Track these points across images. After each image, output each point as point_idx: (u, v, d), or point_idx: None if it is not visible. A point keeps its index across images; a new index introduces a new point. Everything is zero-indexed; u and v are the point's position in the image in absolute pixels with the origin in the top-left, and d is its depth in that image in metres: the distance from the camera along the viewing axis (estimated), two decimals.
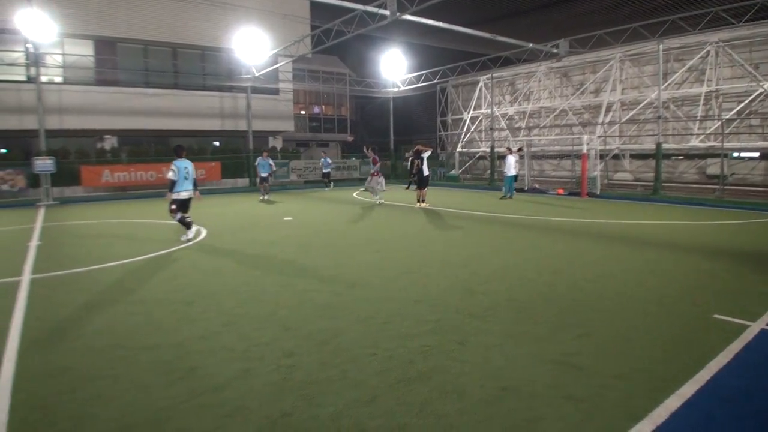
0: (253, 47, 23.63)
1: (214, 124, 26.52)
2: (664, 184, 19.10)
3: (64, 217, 14.52)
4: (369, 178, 17.53)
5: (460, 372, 3.81)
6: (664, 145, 19.47)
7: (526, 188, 21.94)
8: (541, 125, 26.89)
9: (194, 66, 26.29)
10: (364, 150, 19.95)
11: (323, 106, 39.80)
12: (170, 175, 9.65)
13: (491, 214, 13.68)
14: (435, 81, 28.38)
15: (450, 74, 27.42)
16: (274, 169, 20.40)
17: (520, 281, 6.45)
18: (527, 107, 27.73)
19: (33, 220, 13.65)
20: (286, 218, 13.23)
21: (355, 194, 21.11)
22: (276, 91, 27.99)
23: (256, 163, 19.52)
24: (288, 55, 24.41)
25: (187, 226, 9.98)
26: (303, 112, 38.06)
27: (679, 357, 4.08)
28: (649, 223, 11.86)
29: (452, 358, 4.06)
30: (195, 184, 10.06)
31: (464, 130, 30.84)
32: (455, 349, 4.24)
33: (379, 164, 17.71)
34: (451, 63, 26.62)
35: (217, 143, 28.04)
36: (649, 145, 21.50)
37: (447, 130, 32.80)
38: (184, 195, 9.81)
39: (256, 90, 26.35)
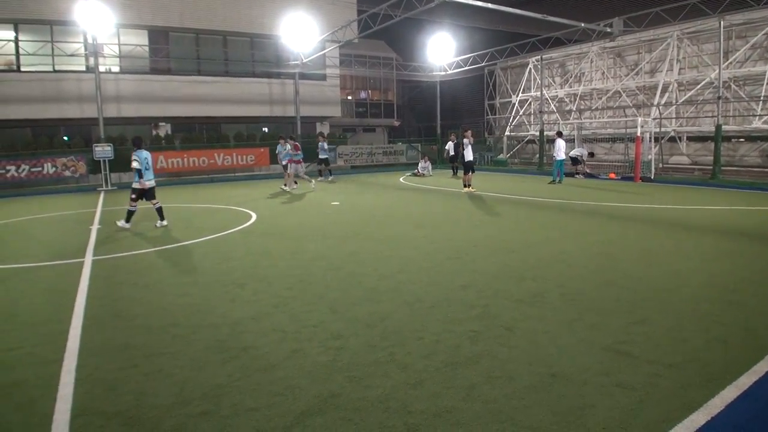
0: (300, 33, 23.81)
1: (263, 111, 26.98)
2: (723, 168, 18.18)
3: (122, 202, 15.16)
4: (293, 166, 16.80)
5: (508, 357, 3.78)
6: (725, 127, 18.51)
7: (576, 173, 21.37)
8: (593, 107, 26.03)
9: (244, 53, 26.74)
10: (280, 139, 18.17)
11: (370, 91, 39.77)
12: (135, 165, 9.97)
13: (540, 199, 13.41)
14: (483, 64, 27.84)
15: (498, 57, 26.84)
16: (323, 156, 20.89)
17: (570, 267, 6.33)
18: (578, 89, 26.87)
19: (94, 205, 14.34)
20: (333, 203, 13.38)
21: (401, 179, 21.10)
22: (323, 77, 28.17)
23: (277, 151, 18.76)
24: (335, 41, 24.46)
25: (160, 213, 10.46)
26: (350, 98, 38.17)
27: (737, 347, 3.92)
28: (707, 208, 11.34)
29: (500, 344, 4.03)
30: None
31: (512, 113, 30.23)
32: (503, 335, 4.21)
33: (301, 152, 16.71)
34: (500, 45, 26.03)
35: (266, 129, 28.53)
36: (707, 127, 20.48)
37: (495, 114, 32.23)
38: (148, 184, 10.24)
39: (303, 76, 26.61)
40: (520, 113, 29.83)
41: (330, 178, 20.80)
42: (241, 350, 4.01)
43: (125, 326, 4.66)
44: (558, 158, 17.70)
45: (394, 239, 8.41)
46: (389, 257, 7.06)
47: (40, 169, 20.68)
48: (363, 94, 39.48)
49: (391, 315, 4.73)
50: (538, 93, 26.93)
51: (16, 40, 22.20)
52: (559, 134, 18.40)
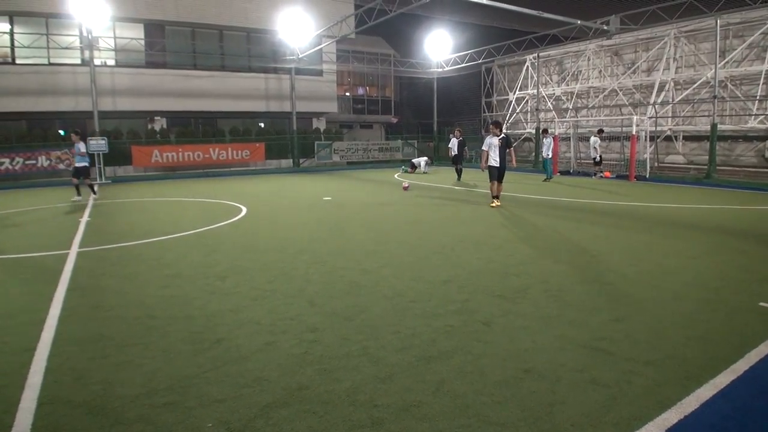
0: (297, 28, 23.75)
1: (259, 106, 26.91)
2: (719, 168, 18.17)
3: (115, 195, 15.13)
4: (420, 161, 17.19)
5: (482, 353, 3.75)
6: (721, 126, 18.51)
7: (571, 171, 21.37)
8: (590, 106, 26.00)
9: (240, 48, 26.66)
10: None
11: (367, 88, 39.67)
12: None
13: (532, 196, 13.38)
14: (480, 61, 27.79)
15: (495, 54, 26.79)
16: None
17: (555, 264, 6.30)
18: (575, 87, 26.84)
19: (86, 198, 14.26)
20: (325, 198, 13.34)
21: (396, 175, 21.06)
22: (320, 73, 28.11)
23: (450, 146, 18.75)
24: (331, 36, 24.40)
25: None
26: (347, 94, 38.08)
27: (716, 345, 3.88)
28: (699, 207, 11.32)
29: (476, 339, 4.00)
30: None
31: (509, 111, 30.19)
32: (480, 330, 4.18)
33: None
34: (497, 42, 25.98)
35: (262, 124, 28.47)
36: (703, 126, 20.47)
37: (492, 111, 32.18)
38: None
39: (300, 71, 26.54)
40: (517, 111, 29.80)
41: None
42: (215, 342, 3.97)
43: (102, 317, 4.62)
44: (545, 156, 18.05)
45: (382, 234, 8.38)
46: (374, 252, 7.03)
47: (34, 162, 20.62)
48: (360, 91, 39.38)
49: (370, 309, 4.70)
50: (535, 91, 26.89)
51: (11, 33, 22.08)
52: (545, 132, 18.61)
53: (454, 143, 18.69)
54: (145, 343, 3.99)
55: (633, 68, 24.06)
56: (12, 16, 22.01)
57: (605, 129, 20.71)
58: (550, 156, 18.08)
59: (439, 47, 28.57)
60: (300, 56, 25.30)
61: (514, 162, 11.55)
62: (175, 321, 4.46)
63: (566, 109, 27.26)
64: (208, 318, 4.51)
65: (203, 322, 4.42)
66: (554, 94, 28.03)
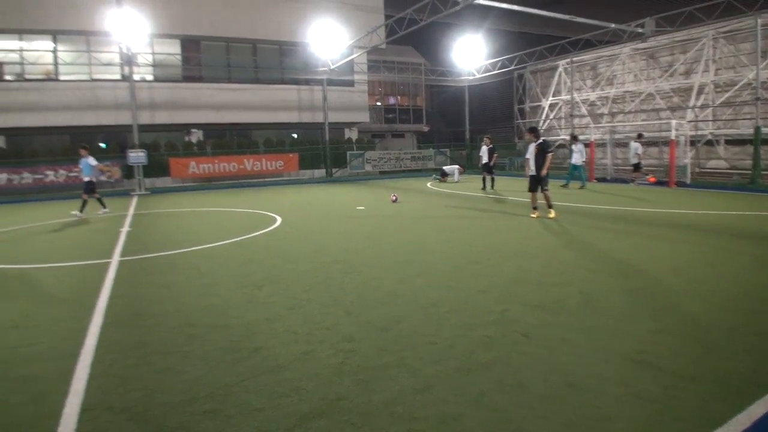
0: (328, 40, 24.04)
1: (291, 117, 27.30)
2: (763, 172, 17.51)
3: (154, 206, 15.52)
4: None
5: (523, 365, 3.67)
6: (765, 129, 17.84)
7: (608, 177, 20.92)
8: (626, 110, 25.44)
9: (273, 61, 27.14)
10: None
11: (398, 97, 39.81)
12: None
13: (568, 204, 13.13)
14: (512, 67, 27.58)
15: (527, 60, 26.55)
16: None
17: (594, 274, 6.14)
18: (610, 92, 26.30)
19: (126, 208, 14.69)
20: (358, 208, 13.39)
21: (428, 184, 21.01)
22: (351, 83, 28.35)
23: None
24: (362, 47, 24.61)
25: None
26: (378, 104, 38.28)
27: (766, 360, 3.70)
28: (744, 214, 10.90)
29: (515, 351, 3.92)
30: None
31: (543, 117, 29.81)
32: (519, 342, 4.10)
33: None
34: (529, 48, 25.75)
35: (295, 135, 28.86)
36: (746, 129, 19.76)
37: (524, 119, 31.82)
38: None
39: (331, 82, 26.83)
40: (551, 117, 29.38)
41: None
42: (252, 351, 4.00)
43: (143, 325, 4.73)
44: (574, 162, 17.51)
45: (416, 243, 8.34)
46: (409, 261, 6.99)
47: (76, 174, 21.27)
48: (392, 100, 39.53)
49: (406, 319, 4.67)
50: (569, 96, 26.49)
51: (55, 51, 23.01)
52: (575, 138, 18.12)
53: (484, 151, 18.16)
54: (185, 351, 4.05)
55: (670, 71, 23.45)
56: (55, 35, 22.96)
57: (645, 134, 20.22)
58: (580, 163, 17.63)
59: (470, 55, 28.48)
60: (332, 67, 25.58)
61: (544, 169, 10.56)
62: (214, 329, 4.51)
63: (601, 115, 26.75)
64: (245, 327, 4.55)
65: (241, 330, 4.46)
66: (588, 99, 27.54)
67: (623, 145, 24.83)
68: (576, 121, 25.96)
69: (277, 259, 7.34)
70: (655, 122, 22.31)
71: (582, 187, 17.24)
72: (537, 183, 10.72)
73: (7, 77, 23.15)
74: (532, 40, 28.56)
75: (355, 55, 25.77)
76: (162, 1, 23.29)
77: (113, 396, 3.36)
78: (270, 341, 4.20)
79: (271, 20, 25.79)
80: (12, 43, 22.74)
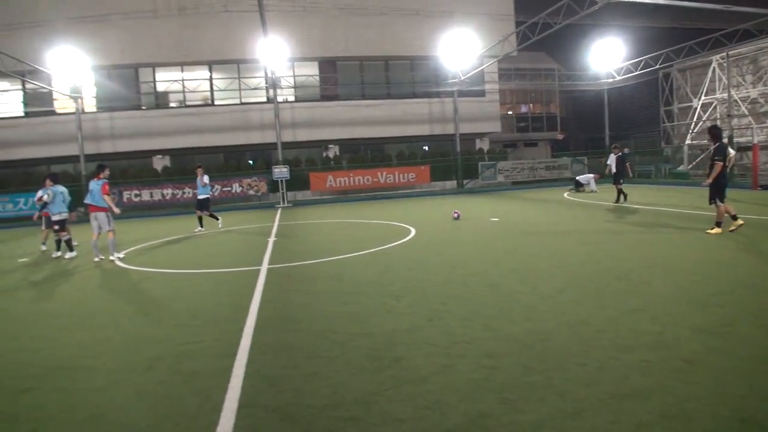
0: (458, 51, 24.01)
1: (423, 130, 27.67)
2: None
3: (296, 217, 16.53)
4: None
5: (687, 395, 3.24)
6: None
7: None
8: None
9: (404, 76, 27.77)
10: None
11: (530, 105, 38.61)
12: (45, 197, 10.61)
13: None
14: (656, 66, 25.39)
15: (674, 57, 24.26)
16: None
17: (766, 293, 5.34)
18: None
19: (272, 220, 15.81)
20: (492, 219, 13.09)
21: (565, 194, 19.99)
22: (482, 93, 28.05)
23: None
24: (493, 56, 24.24)
25: (68, 245, 10.83)
26: (509, 112, 37.43)
27: None
28: None
29: (677, 379, 3.48)
30: (69, 207, 11.02)
31: (694, 119, 27.02)
32: (681, 368, 3.64)
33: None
34: (676, 44, 23.54)
35: (425, 147, 29.18)
36: None
37: (672, 121, 29.10)
38: (56, 218, 10.67)
39: (462, 93, 26.76)
40: (703, 119, 26.52)
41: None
42: (393, 360, 4.01)
43: (291, 329, 4.98)
44: None
45: (556, 257, 7.89)
46: (551, 275, 6.63)
47: (229, 188, 23.49)
48: (524, 108, 38.45)
49: (551, 337, 4.39)
50: (725, 95, 23.70)
51: (210, 79, 25.70)
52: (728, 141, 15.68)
53: (612, 160, 16.21)
54: (330, 356, 4.18)
55: None
56: (211, 65, 25.67)
57: None
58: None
59: (608, 56, 26.71)
60: (462, 78, 25.51)
61: (709, 179, 9.13)
62: (356, 337, 4.62)
63: (765, 113, 23.58)
64: (386, 336, 4.59)
65: (382, 339, 4.51)
66: (749, 96, 24.44)
67: None
68: (735, 121, 23.13)
69: (413, 270, 7.38)
70: None
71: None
72: (715, 193, 9.21)
73: (172, 104, 26.34)
74: (679, 35, 26.07)
75: (485, 65, 25.46)
76: (303, 27, 24.99)
77: (266, 395, 3.54)
78: (410, 352, 4.18)
79: (402, 37, 26.44)
80: (175, 74, 25.84)
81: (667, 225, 10.51)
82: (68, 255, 10.66)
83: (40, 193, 10.83)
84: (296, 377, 3.81)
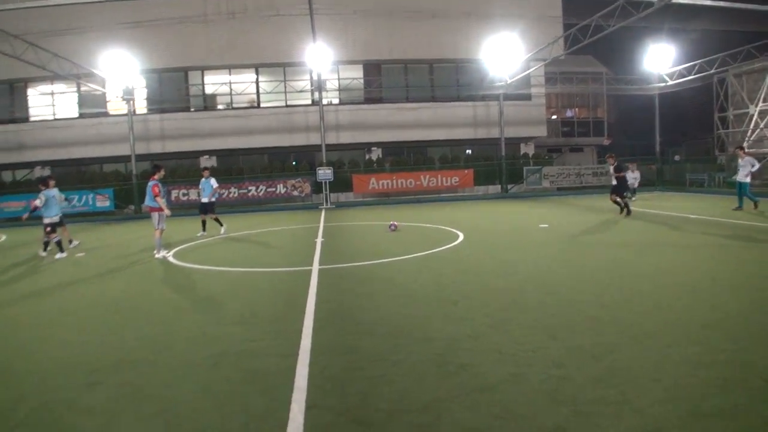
0: (504, 55, 23.71)
1: (467, 133, 27.45)
2: None
3: (341, 219, 16.62)
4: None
5: None
6: None
7: None
8: None
9: (449, 79, 27.62)
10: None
11: (576, 109, 37.79)
12: (37, 202, 10.96)
13: None
14: (711, 71, 24.46)
15: (731, 61, 23.33)
16: None
17: None
18: None
19: (317, 221, 15.94)
20: (541, 225, 12.83)
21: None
22: (528, 97, 27.63)
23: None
24: (540, 59, 23.83)
25: (58, 245, 11.10)
26: (555, 117, 36.72)
27: None
28: None
29: (761, 399, 3.29)
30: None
31: (750, 126, 25.88)
32: (763, 388, 3.44)
33: None
34: (732, 48, 22.62)
35: (469, 151, 28.92)
36: None
37: (727, 128, 27.96)
38: (47, 220, 10.96)
39: (507, 97, 26.41)
40: (761, 126, 25.37)
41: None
42: (459, 367, 3.94)
43: (350, 330, 4.97)
44: (741, 180, 14.20)
45: (615, 266, 7.64)
46: (611, 285, 6.42)
47: (274, 189, 23.84)
48: (569, 113, 37.67)
49: (618, 349, 4.23)
50: None
51: (257, 82, 26.19)
52: (742, 150, 14.76)
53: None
54: (393, 360, 4.14)
55: None
56: (257, 68, 26.16)
57: None
58: (748, 180, 14.25)
59: (660, 60, 25.89)
60: (508, 82, 25.17)
61: None
62: (417, 341, 4.56)
63: None
64: (448, 341, 4.52)
65: (443, 345, 4.44)
66: None
67: None
68: None
69: (466, 275, 7.29)
70: None
71: (736, 209, 14.25)
72: None
73: (219, 107, 26.96)
74: (736, 39, 25.08)
75: (532, 69, 25.06)
76: (348, 31, 25.19)
77: (333, 397, 3.53)
78: (475, 359, 4.10)
79: (448, 40, 26.31)
80: (222, 77, 26.44)
81: (729, 236, 10.07)
82: (58, 255, 10.92)
83: (36, 203, 11.18)
84: (361, 380, 3.79)
